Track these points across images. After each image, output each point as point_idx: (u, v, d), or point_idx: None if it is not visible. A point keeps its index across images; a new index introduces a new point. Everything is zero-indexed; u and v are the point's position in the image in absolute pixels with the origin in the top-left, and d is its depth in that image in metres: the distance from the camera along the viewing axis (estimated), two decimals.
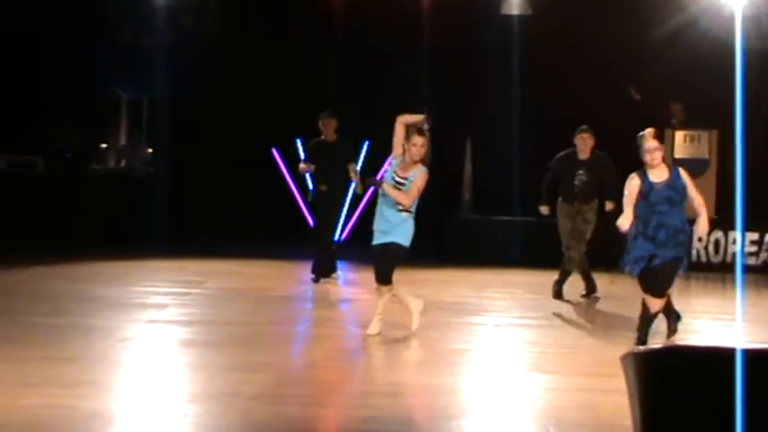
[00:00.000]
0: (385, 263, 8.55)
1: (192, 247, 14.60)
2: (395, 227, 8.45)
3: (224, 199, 16.03)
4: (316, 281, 12.00)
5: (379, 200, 8.61)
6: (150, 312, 9.48)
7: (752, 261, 14.09)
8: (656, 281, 8.13)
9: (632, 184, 8.15)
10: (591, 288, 11.36)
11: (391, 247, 8.48)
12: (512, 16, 15.50)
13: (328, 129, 11.95)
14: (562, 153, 11.29)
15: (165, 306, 9.93)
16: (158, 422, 5.69)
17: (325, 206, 12.11)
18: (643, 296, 8.27)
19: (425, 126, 8.48)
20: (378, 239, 8.54)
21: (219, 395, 6.31)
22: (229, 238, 15.27)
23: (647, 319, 8.28)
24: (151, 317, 9.25)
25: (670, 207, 8.09)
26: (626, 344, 7.84)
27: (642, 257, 8.11)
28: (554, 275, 11.36)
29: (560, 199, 11.23)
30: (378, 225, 8.56)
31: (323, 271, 12.09)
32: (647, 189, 8.08)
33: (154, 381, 6.76)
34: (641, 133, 8.20)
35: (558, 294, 11.18)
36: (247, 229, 15.55)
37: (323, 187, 12.02)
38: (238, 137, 16.00)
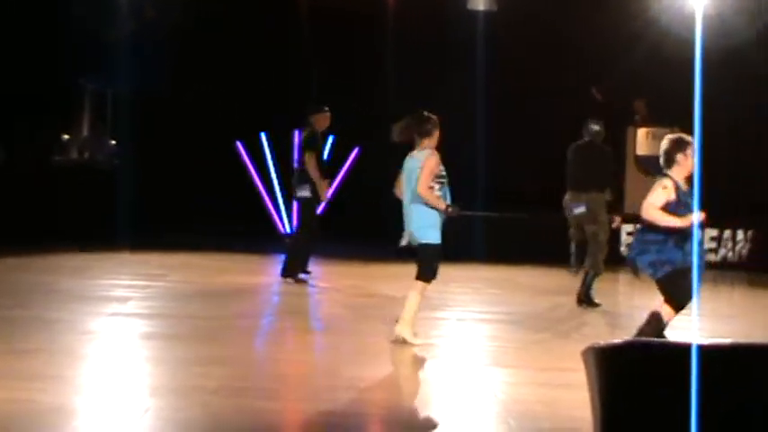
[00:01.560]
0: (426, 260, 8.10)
1: (155, 240, 14.54)
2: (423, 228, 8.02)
3: (188, 192, 15.97)
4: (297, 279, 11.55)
5: None
6: (113, 305, 9.44)
7: (711, 257, 14.24)
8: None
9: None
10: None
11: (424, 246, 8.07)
12: (477, 12, 15.56)
13: (326, 123, 11.59)
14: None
15: (127, 299, 9.88)
16: (120, 415, 5.67)
17: (314, 203, 11.62)
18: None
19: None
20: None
21: (181, 388, 6.30)
22: (193, 232, 15.21)
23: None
24: (114, 310, 9.21)
25: None
26: (587, 339, 7.91)
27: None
28: (516, 271, 11.42)
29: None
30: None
31: (304, 267, 11.71)
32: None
33: (116, 374, 6.73)
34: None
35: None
36: (211, 223, 15.50)
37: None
38: (203, 130, 15.94)
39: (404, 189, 8.05)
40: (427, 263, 8.00)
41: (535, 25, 15.10)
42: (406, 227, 8.05)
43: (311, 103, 11.83)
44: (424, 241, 7.98)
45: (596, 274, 10.65)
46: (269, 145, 15.64)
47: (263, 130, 15.60)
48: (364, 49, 15.71)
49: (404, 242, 8.10)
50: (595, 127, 10.92)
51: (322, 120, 11.57)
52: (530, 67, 14.97)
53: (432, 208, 7.92)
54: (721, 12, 13.57)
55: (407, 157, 8.15)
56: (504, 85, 15.19)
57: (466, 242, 14.38)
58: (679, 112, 13.98)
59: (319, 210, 12.09)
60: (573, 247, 11.15)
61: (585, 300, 10.55)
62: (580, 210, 10.88)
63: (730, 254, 14.27)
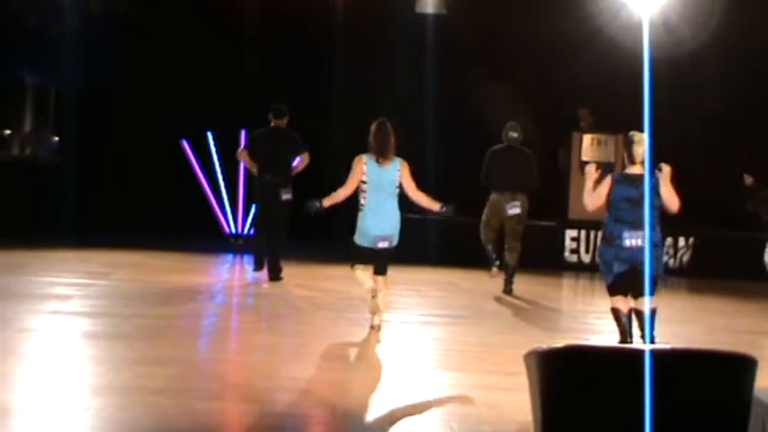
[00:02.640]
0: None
1: (98, 237, 14.36)
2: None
3: (133, 189, 15.79)
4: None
5: None
6: (53, 303, 9.31)
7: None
8: None
9: None
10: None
11: None
12: (426, 15, 15.59)
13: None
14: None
15: (68, 297, 9.76)
16: (59, 415, 5.60)
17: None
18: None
19: None
20: None
21: (123, 388, 6.24)
22: (138, 230, 15.05)
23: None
24: (54, 308, 9.08)
25: None
26: (530, 342, 7.96)
27: None
28: (460, 274, 11.49)
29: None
30: None
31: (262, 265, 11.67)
32: None
33: (56, 373, 6.64)
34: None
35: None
36: (156, 221, 15.34)
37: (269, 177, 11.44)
38: (148, 127, 15.77)
39: (377, 199, 8.54)
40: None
41: (483, 29, 15.17)
42: (381, 231, 8.55)
43: (276, 106, 11.75)
44: (396, 243, 8.71)
45: (516, 271, 11.64)
46: (215, 144, 15.54)
47: (209, 129, 15.49)
48: (312, 51, 15.65)
49: (383, 244, 8.60)
50: (514, 134, 11.74)
51: (281, 119, 11.65)
52: (478, 71, 15.03)
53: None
54: (667, 22, 13.75)
55: (376, 167, 8.59)
56: (453, 89, 15.24)
57: (413, 245, 14.40)
58: (625, 119, 14.19)
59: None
60: (489, 249, 11.57)
61: (510, 293, 11.50)
62: (515, 211, 11.41)
63: (672, 260, 14.47)
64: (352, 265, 8.78)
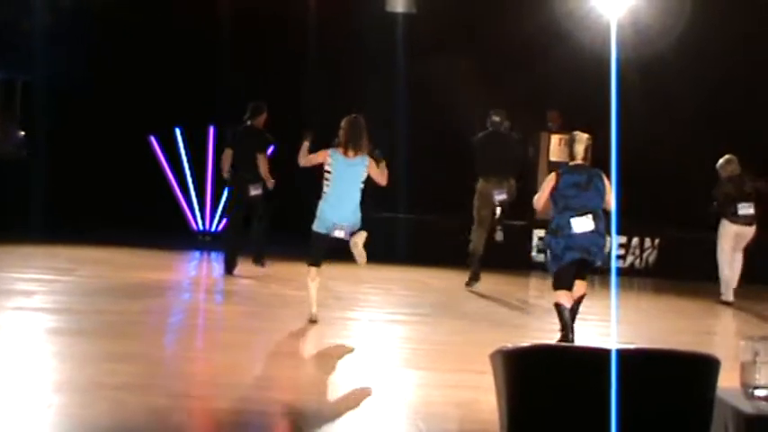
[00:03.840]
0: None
1: (65, 234, 14.23)
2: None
3: (100, 185, 15.66)
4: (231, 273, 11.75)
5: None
6: (17, 299, 9.22)
7: (620, 264, 14.50)
8: None
9: None
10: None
11: None
12: (396, 14, 15.59)
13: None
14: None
15: (32, 293, 9.66)
16: (21, 412, 5.54)
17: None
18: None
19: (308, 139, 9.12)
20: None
21: (86, 385, 6.19)
22: (104, 226, 14.93)
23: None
24: (17, 304, 8.99)
25: None
26: (497, 341, 7.97)
27: None
28: (433, 273, 11.50)
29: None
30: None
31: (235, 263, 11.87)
32: None
33: (17, 369, 6.57)
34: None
35: None
36: (123, 217, 15.23)
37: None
38: (116, 122, 15.64)
39: (340, 189, 8.81)
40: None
41: (453, 29, 15.18)
42: (338, 219, 8.78)
43: (254, 103, 12.03)
44: (351, 234, 8.90)
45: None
46: (183, 140, 15.45)
47: (177, 125, 15.40)
48: (282, 49, 15.60)
49: (339, 233, 8.81)
50: (496, 118, 11.81)
51: (265, 119, 12.03)
52: (447, 69, 15.04)
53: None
54: (636, 23, 13.83)
55: (342, 160, 8.84)
56: (423, 88, 15.24)
57: (381, 244, 14.38)
58: (594, 121, 14.26)
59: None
60: (475, 263, 11.64)
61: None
62: (502, 196, 11.48)
63: (637, 261, 14.55)
64: (308, 264, 8.98)
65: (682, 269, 13.94)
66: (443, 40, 15.17)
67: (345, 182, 8.84)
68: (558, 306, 8.39)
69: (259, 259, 12.09)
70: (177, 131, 15.43)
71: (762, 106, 14.77)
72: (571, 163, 8.60)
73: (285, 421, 6.01)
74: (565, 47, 14.06)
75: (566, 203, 8.33)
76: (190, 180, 15.42)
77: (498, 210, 11.71)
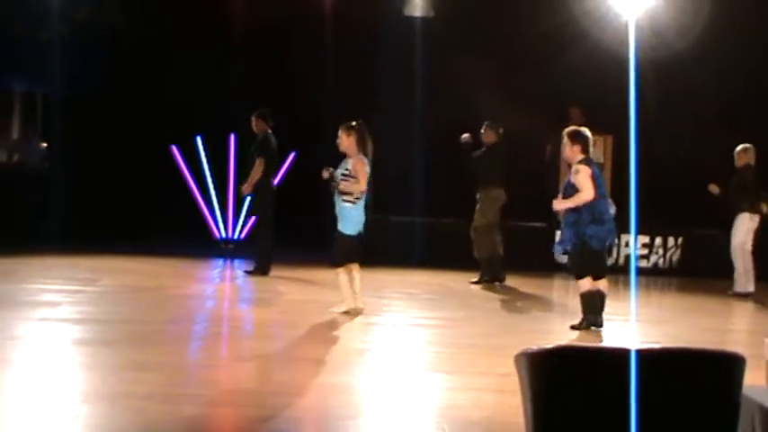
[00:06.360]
0: (333, 247, 9.53)
1: (87, 244, 14.31)
2: (341, 217, 9.47)
3: (122, 195, 15.75)
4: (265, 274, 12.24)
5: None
6: (42, 310, 9.27)
7: (643, 263, 14.45)
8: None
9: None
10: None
11: (338, 234, 9.50)
12: (414, 18, 15.61)
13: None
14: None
15: (57, 304, 9.72)
16: (49, 422, 5.56)
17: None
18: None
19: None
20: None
21: (112, 395, 6.21)
22: (126, 236, 15.01)
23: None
24: (43, 315, 9.04)
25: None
26: (521, 344, 7.95)
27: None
28: (455, 276, 11.53)
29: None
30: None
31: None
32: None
33: (45, 380, 6.60)
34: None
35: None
36: (146, 227, 15.31)
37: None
38: (137, 132, 15.73)
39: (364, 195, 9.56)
40: (337, 248, 9.67)
41: (471, 31, 15.18)
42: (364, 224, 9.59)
43: (261, 110, 12.38)
44: (340, 229, 9.59)
45: None
46: (204, 149, 15.50)
47: (198, 134, 15.45)
48: (301, 53, 15.64)
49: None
50: (501, 130, 12.50)
51: (256, 123, 12.33)
52: (466, 72, 15.03)
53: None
54: (653, 24, 13.78)
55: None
56: (441, 91, 15.24)
57: (402, 247, 14.39)
58: (612, 120, 14.23)
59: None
60: (497, 262, 11.91)
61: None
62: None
63: (661, 260, 14.49)
64: (344, 264, 9.58)
65: (705, 267, 13.88)
66: (461, 44, 15.18)
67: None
68: (590, 293, 9.01)
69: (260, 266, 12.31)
70: (198, 140, 15.49)
71: None
72: (586, 157, 9.20)
73: (310, 428, 6.01)
74: (583, 46, 14.02)
75: (600, 191, 9.02)
76: (212, 188, 15.47)
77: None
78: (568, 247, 9.15)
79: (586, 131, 9.32)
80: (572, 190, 9.06)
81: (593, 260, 9.03)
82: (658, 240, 14.46)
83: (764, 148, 12.53)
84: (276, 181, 13.18)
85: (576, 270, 9.24)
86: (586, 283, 9.07)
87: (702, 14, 14.03)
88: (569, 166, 9.39)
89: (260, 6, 15.47)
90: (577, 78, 14.34)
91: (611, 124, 14.52)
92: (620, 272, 14.05)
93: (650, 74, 13.10)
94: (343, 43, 15.64)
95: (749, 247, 12.07)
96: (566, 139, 9.26)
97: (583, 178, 8.99)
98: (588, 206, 8.96)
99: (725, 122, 14.64)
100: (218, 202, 15.48)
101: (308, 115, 15.14)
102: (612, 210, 9.11)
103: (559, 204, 9.18)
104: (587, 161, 9.12)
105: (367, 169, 9.45)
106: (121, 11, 15.65)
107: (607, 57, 13.27)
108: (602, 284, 9.13)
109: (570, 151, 9.21)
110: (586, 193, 8.94)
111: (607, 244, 9.16)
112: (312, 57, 15.69)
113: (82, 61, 15.25)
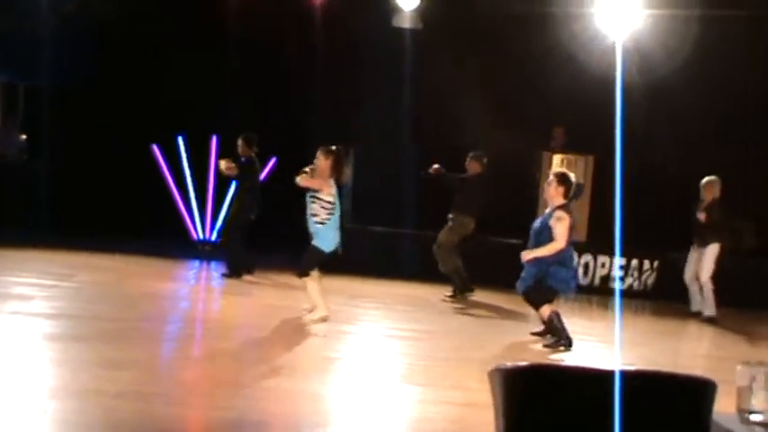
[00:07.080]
0: (303, 257, 9.52)
1: (64, 239, 14.22)
2: (316, 236, 9.42)
3: (101, 191, 15.64)
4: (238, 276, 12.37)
5: None
6: (14, 303, 9.20)
7: (618, 285, 14.49)
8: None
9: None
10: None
11: (312, 247, 9.45)
12: (403, 29, 15.62)
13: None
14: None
15: (30, 298, 9.65)
16: (16, 417, 5.52)
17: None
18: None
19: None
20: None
21: (82, 391, 6.17)
22: (104, 232, 14.92)
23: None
24: (14, 308, 8.97)
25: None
26: (495, 359, 7.97)
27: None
28: (433, 289, 11.59)
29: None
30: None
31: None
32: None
33: (14, 374, 6.55)
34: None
35: None
36: (124, 224, 15.22)
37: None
38: (118, 129, 15.64)
39: (337, 215, 9.62)
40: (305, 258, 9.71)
41: (459, 46, 15.21)
42: (339, 242, 9.59)
43: (247, 134, 12.61)
44: (313, 241, 9.65)
45: None
46: (185, 149, 15.44)
47: (179, 134, 15.40)
48: (289, 61, 15.60)
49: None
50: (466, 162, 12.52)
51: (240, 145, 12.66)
52: (454, 86, 15.05)
53: None
54: (640, 47, 13.86)
55: (337, 190, 9.62)
56: (429, 104, 15.27)
57: (381, 258, 14.36)
58: (595, 141, 14.30)
59: None
60: (462, 272, 12.08)
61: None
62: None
63: (636, 282, 14.55)
64: (309, 271, 9.56)
65: (679, 291, 13.94)
66: (449, 58, 15.19)
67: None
68: (555, 313, 9.36)
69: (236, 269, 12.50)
70: (180, 140, 15.43)
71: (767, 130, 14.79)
72: (566, 202, 9.42)
73: None
74: (569, 68, 14.08)
75: (571, 238, 9.40)
76: (191, 189, 15.42)
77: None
78: (530, 283, 9.34)
79: (573, 176, 9.59)
80: (547, 232, 9.28)
81: (550, 293, 9.42)
82: (634, 263, 14.51)
83: (751, 169, 12.62)
84: (262, 177, 13.36)
85: (537, 303, 9.48)
86: (546, 310, 9.41)
87: (689, 37, 14.11)
88: (546, 204, 9.72)
89: (248, 10, 15.40)
90: (564, 97, 14.38)
91: (593, 144, 14.60)
92: (594, 292, 14.13)
93: (636, 95, 13.17)
94: (330, 53, 15.61)
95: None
96: (552, 179, 9.48)
97: (563, 229, 9.24)
98: (560, 250, 9.31)
99: (711, 144, 14.70)
100: (197, 203, 15.42)
101: (293, 122, 15.12)
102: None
103: (529, 255, 9.34)
104: (568, 208, 9.39)
105: (333, 191, 9.51)
106: (109, 3, 15.54)
107: (593, 77, 13.36)
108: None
109: (554, 192, 9.41)
110: (560, 243, 9.23)
111: (570, 288, 9.55)
112: (300, 65, 15.65)
113: (65, 55, 15.15)
